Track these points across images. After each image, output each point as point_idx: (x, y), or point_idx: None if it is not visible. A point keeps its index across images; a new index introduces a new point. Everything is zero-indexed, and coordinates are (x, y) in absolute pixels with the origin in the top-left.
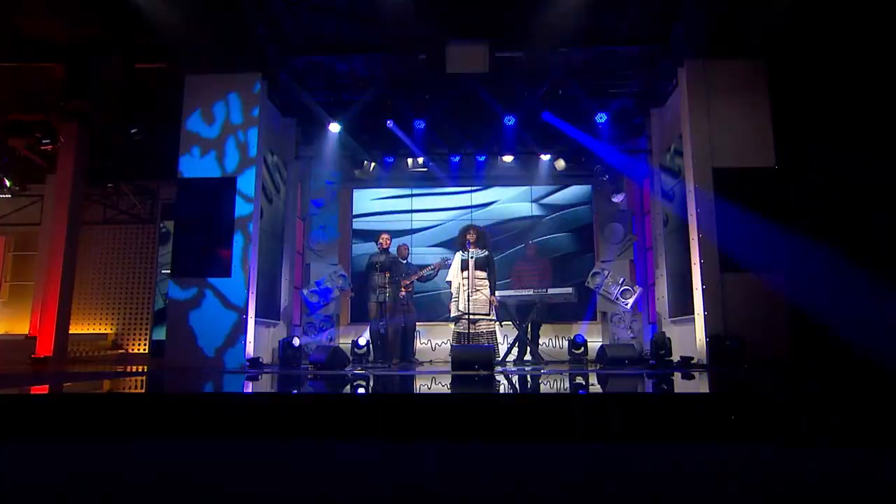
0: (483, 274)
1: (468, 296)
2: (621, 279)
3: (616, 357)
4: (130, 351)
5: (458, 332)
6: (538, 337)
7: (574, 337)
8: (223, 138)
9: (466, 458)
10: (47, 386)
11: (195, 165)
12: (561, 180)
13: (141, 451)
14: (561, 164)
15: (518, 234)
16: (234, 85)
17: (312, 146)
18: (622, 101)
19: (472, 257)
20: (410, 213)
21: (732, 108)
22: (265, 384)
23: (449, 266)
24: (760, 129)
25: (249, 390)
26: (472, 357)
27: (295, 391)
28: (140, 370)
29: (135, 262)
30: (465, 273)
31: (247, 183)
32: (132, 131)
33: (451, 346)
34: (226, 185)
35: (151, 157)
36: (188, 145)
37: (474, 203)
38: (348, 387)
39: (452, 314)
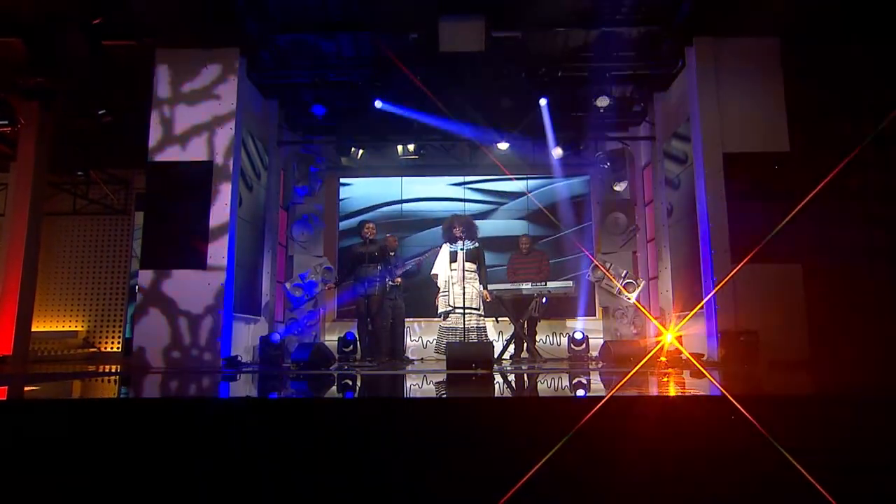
0: (473, 266)
1: (462, 289)
2: (624, 272)
3: (622, 354)
4: (103, 349)
5: (449, 328)
6: (535, 333)
7: (573, 333)
8: (198, 118)
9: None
10: None
11: (166, 148)
12: (559, 169)
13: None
14: (558, 151)
15: (513, 225)
16: (211, 61)
17: (296, 131)
18: (624, 84)
19: (461, 249)
20: (400, 202)
21: (744, 90)
22: (242, 385)
23: (434, 258)
24: (773, 111)
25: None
26: (470, 355)
27: (275, 395)
28: (104, 370)
29: (108, 256)
30: (455, 266)
31: (223, 166)
32: (100, 112)
33: (446, 343)
34: (199, 169)
35: (123, 143)
36: (159, 125)
37: (466, 192)
38: (334, 388)
39: (441, 309)
